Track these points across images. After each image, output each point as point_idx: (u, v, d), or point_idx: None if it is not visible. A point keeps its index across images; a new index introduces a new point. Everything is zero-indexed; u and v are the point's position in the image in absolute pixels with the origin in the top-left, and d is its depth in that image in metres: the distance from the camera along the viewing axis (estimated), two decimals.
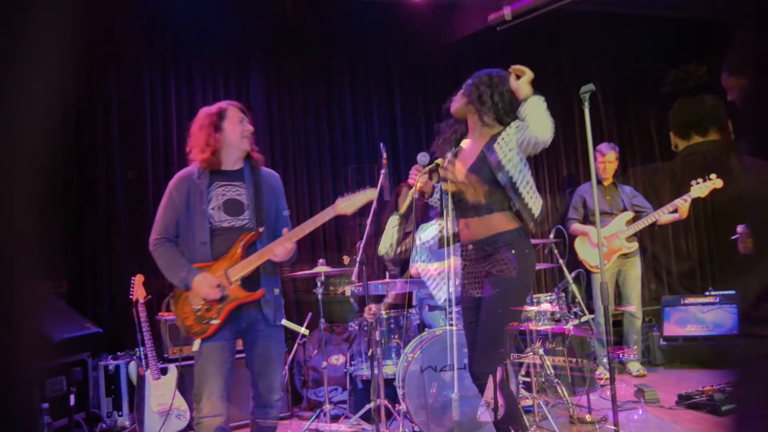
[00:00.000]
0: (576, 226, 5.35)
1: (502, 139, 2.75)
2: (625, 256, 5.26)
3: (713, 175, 4.91)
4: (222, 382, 2.73)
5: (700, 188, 4.92)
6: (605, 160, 5.36)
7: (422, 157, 2.94)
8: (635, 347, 5.31)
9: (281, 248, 2.79)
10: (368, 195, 2.89)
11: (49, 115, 0.79)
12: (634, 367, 5.25)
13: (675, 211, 5.02)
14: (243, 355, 3.03)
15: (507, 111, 2.79)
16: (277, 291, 2.91)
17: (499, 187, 2.75)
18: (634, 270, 5.30)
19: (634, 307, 5.27)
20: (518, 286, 2.74)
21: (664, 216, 5.10)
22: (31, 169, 0.78)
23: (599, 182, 5.40)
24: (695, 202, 5.05)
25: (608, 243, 5.21)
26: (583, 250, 5.33)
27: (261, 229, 2.85)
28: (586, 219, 5.38)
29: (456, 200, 2.93)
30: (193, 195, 2.82)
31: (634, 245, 5.25)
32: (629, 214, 5.28)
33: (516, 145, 2.70)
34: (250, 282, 2.81)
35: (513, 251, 2.72)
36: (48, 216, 0.81)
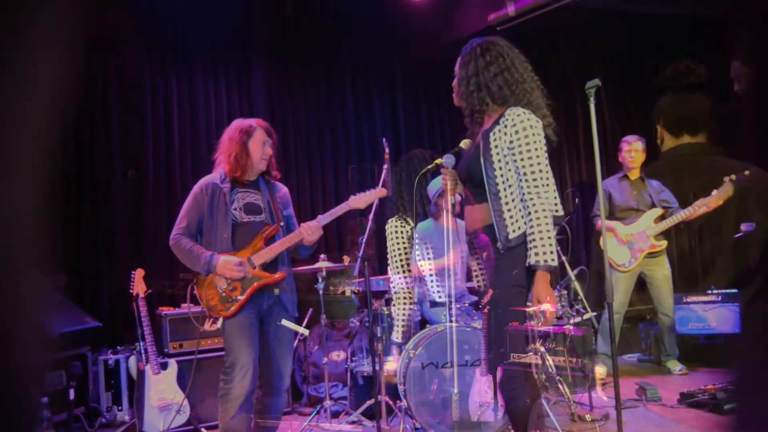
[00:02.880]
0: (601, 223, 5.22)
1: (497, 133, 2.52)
2: (653, 255, 5.08)
3: (747, 172, 4.61)
4: (252, 355, 2.99)
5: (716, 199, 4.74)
6: (632, 148, 5.18)
7: (447, 159, 2.76)
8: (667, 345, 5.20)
9: (308, 228, 3.14)
10: (378, 193, 3.23)
11: (50, 112, 0.78)
12: (675, 366, 5.13)
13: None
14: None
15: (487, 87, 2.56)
16: (293, 288, 3.28)
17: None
18: (661, 270, 5.12)
19: (664, 307, 5.13)
20: (511, 284, 2.51)
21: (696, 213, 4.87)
22: (32, 165, 0.78)
23: (625, 176, 5.26)
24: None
25: (635, 241, 5.05)
26: (609, 247, 5.05)
27: (282, 223, 3.23)
28: (612, 215, 5.16)
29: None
30: (217, 197, 3.16)
31: (663, 243, 5.07)
32: (658, 211, 5.08)
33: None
34: (271, 268, 3.15)
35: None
36: (47, 211, 0.80)
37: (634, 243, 5.07)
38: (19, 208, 0.77)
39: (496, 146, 2.51)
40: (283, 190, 3.46)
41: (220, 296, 3.08)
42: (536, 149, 2.45)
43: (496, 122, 2.54)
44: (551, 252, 2.40)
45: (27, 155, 0.78)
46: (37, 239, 0.79)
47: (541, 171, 2.44)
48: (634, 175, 5.25)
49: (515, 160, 2.46)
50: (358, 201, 3.22)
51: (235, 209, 3.17)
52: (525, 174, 2.44)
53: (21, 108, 0.75)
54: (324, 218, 3.21)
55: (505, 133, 2.48)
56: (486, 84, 2.57)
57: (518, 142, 2.45)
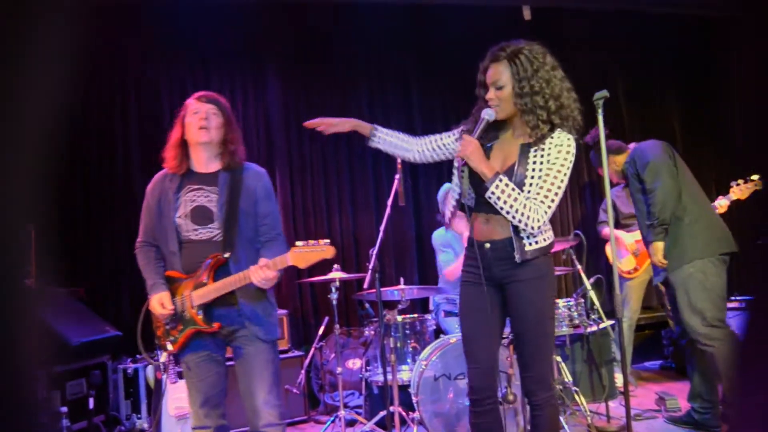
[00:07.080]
0: (607, 231, 5.20)
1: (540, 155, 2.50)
2: None
3: (755, 176, 4.44)
4: (201, 396, 2.69)
5: (740, 190, 4.48)
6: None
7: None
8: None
9: (259, 277, 2.46)
10: (325, 253, 2.46)
11: (54, 117, 0.79)
12: None
13: None
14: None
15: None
16: (264, 308, 2.66)
17: None
18: None
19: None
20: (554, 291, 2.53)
21: None
22: (34, 170, 0.78)
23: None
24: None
25: (640, 248, 4.95)
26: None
27: (227, 255, 2.54)
28: (618, 223, 5.12)
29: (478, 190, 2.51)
30: (165, 199, 2.62)
31: None
32: None
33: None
34: (219, 306, 2.58)
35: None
36: (49, 217, 0.81)
37: (639, 250, 5.00)
38: (16, 214, 0.77)
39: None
40: (256, 178, 2.68)
41: (164, 328, 2.67)
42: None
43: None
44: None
45: (30, 159, 0.78)
46: (34, 247, 0.80)
47: None
48: None
49: None
50: (297, 259, 2.44)
51: (179, 217, 2.56)
52: None
53: (28, 112, 0.76)
54: (275, 263, 2.48)
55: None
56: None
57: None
